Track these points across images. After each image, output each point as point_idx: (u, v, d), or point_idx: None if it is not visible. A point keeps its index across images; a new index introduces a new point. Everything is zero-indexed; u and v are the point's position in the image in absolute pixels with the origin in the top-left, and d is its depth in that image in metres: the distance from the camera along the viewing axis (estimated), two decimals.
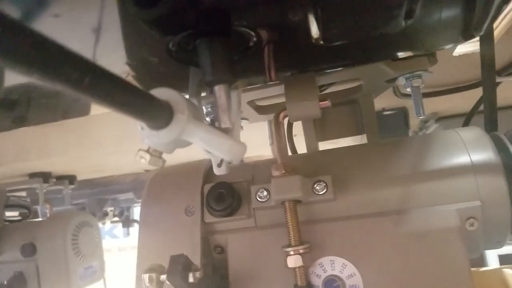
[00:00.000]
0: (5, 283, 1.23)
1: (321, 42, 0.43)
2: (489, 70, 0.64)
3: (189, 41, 0.39)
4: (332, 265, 0.52)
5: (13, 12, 0.32)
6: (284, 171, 0.54)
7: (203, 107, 0.65)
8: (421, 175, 0.54)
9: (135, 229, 2.62)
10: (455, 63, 0.81)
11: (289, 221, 0.52)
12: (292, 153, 0.78)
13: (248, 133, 0.80)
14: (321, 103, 0.55)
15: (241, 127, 0.78)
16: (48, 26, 0.33)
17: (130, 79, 0.47)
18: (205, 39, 0.37)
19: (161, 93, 0.34)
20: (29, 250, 1.26)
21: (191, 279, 0.47)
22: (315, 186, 0.55)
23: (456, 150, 0.55)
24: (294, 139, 0.82)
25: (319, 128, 0.79)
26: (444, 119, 1.30)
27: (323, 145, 0.81)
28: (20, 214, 1.68)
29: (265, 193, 0.56)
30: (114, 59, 0.45)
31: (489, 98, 0.64)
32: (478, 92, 0.85)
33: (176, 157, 0.44)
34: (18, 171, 1.44)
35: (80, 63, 0.22)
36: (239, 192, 0.58)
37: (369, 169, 0.57)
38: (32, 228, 1.31)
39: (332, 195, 0.54)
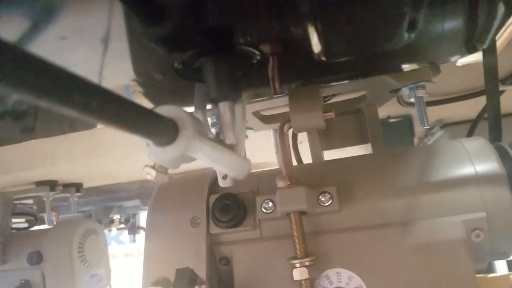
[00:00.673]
0: None
1: (323, 59, 0.43)
2: (492, 81, 0.64)
3: (194, 59, 0.40)
4: (339, 277, 0.52)
5: (18, 34, 0.32)
6: (289, 182, 0.54)
7: (208, 118, 0.65)
8: (426, 186, 0.54)
9: (141, 235, 2.63)
10: (459, 72, 0.81)
11: (294, 233, 0.52)
12: (297, 162, 0.79)
13: (253, 141, 0.80)
14: (325, 114, 0.55)
15: (246, 137, 0.79)
16: (54, 48, 0.34)
17: (138, 95, 0.48)
18: (209, 57, 0.38)
19: (166, 110, 0.34)
20: (36, 258, 1.26)
21: None
22: (320, 197, 0.55)
23: (460, 161, 0.55)
24: (299, 146, 0.83)
25: (324, 137, 0.80)
26: (449, 126, 1.30)
27: (328, 154, 0.81)
28: (27, 221, 1.68)
29: (270, 204, 0.56)
30: (120, 72, 0.46)
31: (492, 107, 0.65)
32: (482, 99, 0.85)
33: (184, 166, 0.44)
34: (25, 180, 1.45)
35: (86, 88, 0.23)
36: (244, 203, 0.59)
37: (374, 180, 0.57)
38: (38, 236, 1.31)
39: (337, 206, 0.54)
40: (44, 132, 0.65)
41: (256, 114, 0.75)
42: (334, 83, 0.58)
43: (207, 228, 0.58)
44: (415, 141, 1.31)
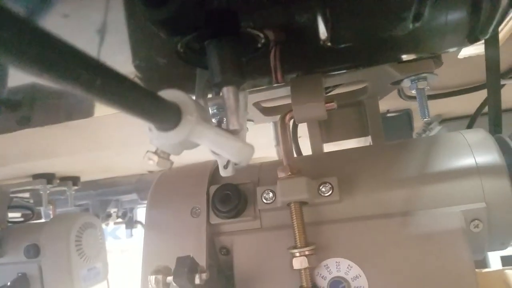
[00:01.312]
0: (8, 284, 1.23)
1: (329, 44, 0.43)
2: (494, 73, 0.64)
3: (197, 42, 0.39)
4: (338, 266, 0.52)
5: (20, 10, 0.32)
6: (290, 173, 0.54)
7: (209, 109, 0.65)
8: (427, 177, 0.54)
9: (138, 230, 2.62)
10: (460, 65, 0.81)
11: (294, 223, 0.52)
12: (297, 154, 0.78)
13: (253, 134, 0.80)
14: (327, 104, 0.55)
15: (247, 129, 0.79)
16: (56, 25, 0.34)
17: (136, 81, 0.47)
18: (214, 40, 0.38)
19: (169, 94, 0.34)
20: (33, 251, 1.26)
21: (197, 281, 0.48)
22: (320, 187, 0.55)
23: (461, 152, 0.55)
24: (299, 140, 0.83)
25: (324, 129, 0.79)
26: (447, 121, 1.30)
27: (328, 147, 0.81)
28: (23, 215, 1.68)
29: (270, 194, 0.56)
30: (120, 59, 0.45)
31: (493, 100, 0.65)
32: (481, 94, 0.85)
33: (184, 158, 0.44)
34: (22, 172, 1.45)
35: (91, 64, 0.23)
36: (245, 194, 0.59)
37: (374, 171, 0.57)
38: (35, 229, 1.31)
39: (338, 196, 0.54)
40: (40, 121, 0.65)
41: (257, 105, 0.74)
42: (337, 72, 0.58)
43: (207, 218, 0.58)
44: (414, 135, 1.31)
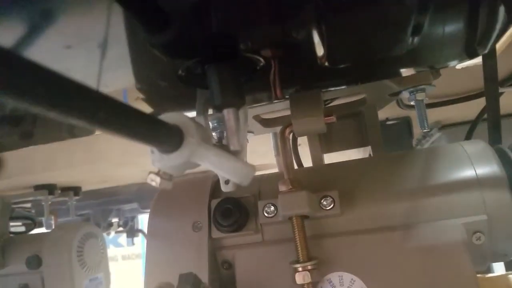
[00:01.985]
0: None
1: (326, 64, 0.43)
2: (492, 84, 0.65)
3: (197, 66, 0.40)
4: (341, 280, 0.52)
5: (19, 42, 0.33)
6: (291, 187, 0.54)
7: (209, 122, 0.65)
8: (427, 189, 0.54)
9: (139, 238, 2.62)
10: (458, 74, 0.82)
11: (296, 237, 0.52)
12: (297, 166, 0.79)
13: (253, 143, 0.80)
14: (326, 118, 0.55)
15: (247, 140, 0.79)
16: (59, 56, 0.34)
17: (140, 102, 0.48)
18: (213, 64, 0.38)
19: (170, 117, 0.34)
20: (35, 262, 1.26)
21: None
22: (322, 201, 0.55)
23: (461, 164, 0.55)
24: (298, 148, 0.83)
25: (324, 140, 0.80)
26: (447, 127, 1.31)
27: (328, 157, 0.81)
28: (24, 225, 1.68)
29: (272, 208, 0.57)
30: (122, 84, 0.46)
31: (492, 111, 0.65)
32: (481, 100, 0.86)
33: None
34: (24, 183, 1.45)
35: (94, 97, 0.23)
36: (246, 207, 0.59)
37: (375, 183, 0.57)
38: (37, 240, 1.31)
39: (339, 210, 0.54)
40: (43, 139, 0.65)
41: (256, 117, 0.75)
42: (335, 88, 0.58)
43: (209, 233, 0.58)
44: (414, 142, 1.31)
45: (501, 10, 0.44)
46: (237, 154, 0.41)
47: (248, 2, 0.34)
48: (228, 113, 0.40)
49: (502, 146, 0.58)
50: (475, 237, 0.52)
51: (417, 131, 1.25)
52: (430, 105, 0.97)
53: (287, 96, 0.57)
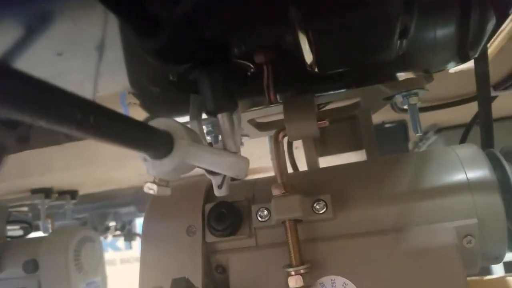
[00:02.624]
0: None
1: (316, 70, 0.44)
2: (484, 88, 0.65)
3: (189, 72, 0.40)
4: (333, 284, 0.53)
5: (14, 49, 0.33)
6: (284, 191, 0.55)
7: (204, 126, 0.66)
8: (419, 193, 0.55)
9: (137, 242, 2.62)
10: (451, 78, 0.82)
11: (289, 241, 0.52)
12: (293, 169, 0.79)
13: (248, 146, 0.80)
14: (319, 122, 0.55)
15: (242, 144, 0.79)
16: (50, 63, 0.34)
17: (134, 107, 0.48)
18: (205, 69, 0.38)
19: (159, 123, 0.35)
20: (31, 266, 1.26)
21: None
22: (314, 205, 0.55)
23: (453, 168, 0.56)
24: (295, 151, 0.83)
25: (319, 143, 0.80)
26: (443, 130, 1.31)
27: (323, 160, 0.82)
28: (21, 228, 1.68)
29: (265, 212, 0.57)
30: (115, 82, 0.46)
31: (484, 115, 0.65)
32: (476, 103, 0.86)
33: None
34: (20, 187, 1.45)
35: (82, 104, 0.23)
36: (240, 211, 0.59)
37: (367, 187, 0.57)
38: (34, 244, 1.31)
39: (332, 214, 0.54)
40: (39, 142, 0.66)
41: (251, 121, 0.75)
42: (328, 92, 0.59)
43: (203, 237, 0.59)
44: (410, 145, 1.32)
45: (491, 13, 0.44)
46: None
47: (238, 7, 0.35)
48: (222, 117, 0.41)
49: (494, 150, 0.58)
50: (466, 241, 0.52)
51: (413, 134, 1.25)
52: (426, 109, 0.98)
53: (281, 101, 0.57)
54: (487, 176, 0.54)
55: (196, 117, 0.49)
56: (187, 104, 0.50)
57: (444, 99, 0.97)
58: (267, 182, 0.60)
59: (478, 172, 0.54)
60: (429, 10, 0.42)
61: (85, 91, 0.44)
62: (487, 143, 0.65)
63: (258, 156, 1.08)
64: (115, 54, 0.39)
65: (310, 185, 0.59)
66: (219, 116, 0.41)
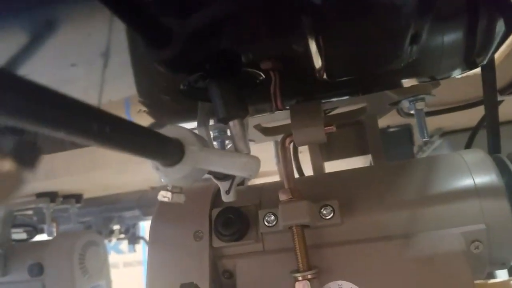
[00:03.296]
0: None
1: (325, 77, 0.44)
2: (491, 94, 0.65)
3: (199, 80, 0.41)
4: None
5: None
6: (291, 196, 0.55)
7: (210, 132, 0.66)
8: (426, 199, 0.55)
9: (140, 245, 2.63)
10: (458, 82, 0.82)
11: (297, 247, 0.52)
12: (298, 174, 0.79)
13: (254, 150, 0.81)
14: (326, 128, 0.56)
15: None
16: (64, 74, 0.35)
17: (143, 114, 0.49)
18: (216, 79, 0.39)
19: (169, 131, 0.35)
20: (37, 270, 1.26)
21: None
22: (322, 210, 0.55)
23: (460, 173, 0.56)
24: (299, 156, 0.83)
25: (325, 148, 0.80)
26: (448, 134, 1.31)
27: (329, 164, 0.82)
28: (26, 232, 1.68)
29: (272, 217, 0.57)
30: (122, 88, 0.46)
31: (491, 121, 0.65)
32: (482, 107, 0.86)
33: None
34: (26, 191, 1.45)
35: (98, 114, 0.24)
36: (247, 217, 0.59)
37: (375, 193, 0.57)
38: (39, 248, 1.32)
39: (339, 219, 0.55)
40: (45, 149, 0.66)
41: (257, 126, 0.75)
42: (335, 99, 0.59)
43: (210, 242, 0.59)
44: (415, 149, 1.32)
45: (500, 22, 0.44)
46: None
47: (250, 19, 0.35)
48: (234, 125, 0.41)
49: (501, 155, 0.58)
50: (473, 246, 0.52)
51: (418, 138, 1.25)
52: (431, 113, 0.98)
53: (287, 107, 0.57)
54: (495, 182, 0.54)
55: (204, 123, 0.50)
56: (194, 110, 0.50)
57: (450, 103, 0.97)
58: (274, 187, 0.60)
59: (486, 177, 0.54)
60: (438, 16, 0.42)
61: (90, 97, 0.45)
62: (494, 148, 0.65)
63: (262, 160, 1.08)
64: (121, 60, 0.39)
65: (317, 191, 0.59)
66: (231, 123, 0.41)
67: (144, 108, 0.48)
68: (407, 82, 0.56)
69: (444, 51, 0.47)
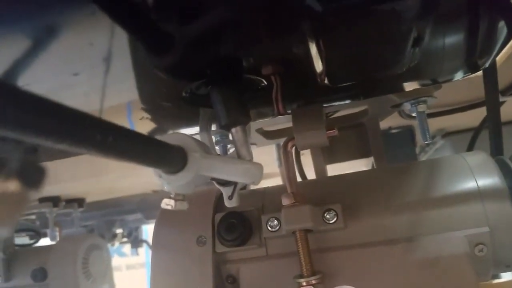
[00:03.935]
0: None
1: (326, 82, 0.44)
2: (493, 97, 0.65)
3: (201, 86, 0.41)
4: None
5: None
6: (294, 201, 0.55)
7: (212, 137, 0.66)
8: (430, 202, 0.55)
9: (143, 248, 2.63)
10: (460, 83, 0.82)
11: (300, 251, 0.52)
12: (301, 177, 0.79)
13: (255, 152, 0.80)
14: (328, 132, 0.55)
15: None
16: (67, 83, 0.35)
17: (145, 121, 0.49)
18: (218, 86, 0.39)
19: (171, 138, 0.35)
20: (40, 275, 1.26)
21: None
22: (325, 215, 0.55)
23: (463, 176, 0.55)
24: (301, 157, 0.83)
25: (327, 151, 0.80)
26: (450, 134, 1.31)
27: (331, 167, 0.82)
28: (28, 236, 1.68)
29: (275, 222, 0.57)
30: (123, 93, 0.46)
31: (493, 122, 0.65)
32: (484, 108, 0.86)
33: None
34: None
35: (101, 124, 0.24)
36: (250, 221, 0.59)
37: (378, 196, 0.57)
38: (42, 252, 1.32)
39: (342, 223, 0.54)
40: (47, 156, 0.66)
41: (259, 130, 0.75)
42: (336, 103, 0.59)
43: (213, 247, 0.59)
44: (417, 150, 1.31)
45: (502, 24, 0.44)
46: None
47: (251, 25, 0.35)
48: (236, 131, 0.41)
49: (504, 157, 0.58)
50: (477, 249, 0.52)
51: (420, 139, 1.25)
52: (433, 115, 0.98)
53: (289, 111, 0.57)
54: (498, 184, 0.53)
55: (206, 128, 0.50)
56: (196, 116, 0.50)
57: (451, 104, 0.97)
58: (277, 191, 0.60)
59: (489, 180, 0.54)
60: (439, 18, 0.42)
61: (91, 102, 0.45)
62: (496, 150, 0.65)
63: (263, 162, 1.08)
64: (122, 65, 0.39)
65: (320, 194, 0.59)
66: (233, 130, 0.41)
67: (146, 115, 0.48)
68: (408, 86, 0.56)
69: (446, 54, 0.47)
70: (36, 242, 1.64)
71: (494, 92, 0.65)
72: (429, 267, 0.52)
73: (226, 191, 0.50)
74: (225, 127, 0.41)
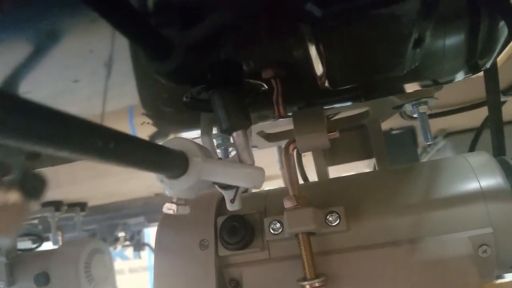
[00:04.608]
0: None
1: (327, 85, 0.44)
2: (494, 97, 0.65)
3: (202, 91, 0.41)
4: None
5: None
6: (296, 203, 0.55)
7: (214, 140, 0.66)
8: (432, 203, 0.55)
9: (146, 251, 2.63)
10: (461, 84, 0.82)
11: (303, 254, 0.52)
12: (303, 179, 0.79)
13: (256, 154, 0.80)
14: (329, 134, 0.55)
15: None
16: (67, 89, 0.35)
17: (147, 126, 0.49)
18: (218, 90, 0.39)
19: (173, 143, 0.35)
20: (43, 279, 1.26)
21: None
22: (327, 217, 0.55)
23: (465, 177, 0.55)
24: (302, 158, 0.83)
25: (328, 153, 0.80)
26: (452, 134, 1.31)
27: (332, 169, 0.82)
28: (31, 240, 1.68)
29: (278, 225, 0.57)
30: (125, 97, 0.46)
31: (495, 123, 0.65)
32: (485, 108, 0.85)
33: None
34: None
35: (101, 131, 0.24)
36: (252, 224, 0.59)
37: (380, 198, 0.57)
38: (44, 257, 1.32)
39: (345, 226, 0.54)
40: (49, 161, 0.66)
41: (260, 133, 0.75)
42: (337, 105, 0.59)
43: (215, 251, 0.58)
44: (419, 151, 1.31)
45: (502, 25, 0.44)
46: None
47: (250, 29, 0.35)
48: (237, 135, 0.41)
49: (506, 157, 0.58)
50: (481, 250, 0.52)
51: (422, 140, 1.25)
52: (435, 115, 0.97)
53: (290, 114, 0.57)
54: (501, 185, 0.53)
55: (207, 132, 0.50)
56: (198, 119, 0.50)
57: (453, 105, 0.97)
58: (279, 194, 0.60)
59: (491, 180, 0.54)
60: (440, 19, 0.42)
61: (93, 106, 0.45)
62: (498, 150, 0.64)
63: (264, 164, 1.08)
64: (123, 71, 0.39)
65: (322, 197, 0.59)
66: (234, 134, 0.41)
67: (148, 120, 0.48)
68: (409, 87, 0.56)
69: (446, 55, 0.47)
70: (39, 246, 1.64)
71: (496, 92, 0.65)
72: (433, 268, 0.51)
73: (228, 195, 0.50)
74: (226, 132, 0.41)
